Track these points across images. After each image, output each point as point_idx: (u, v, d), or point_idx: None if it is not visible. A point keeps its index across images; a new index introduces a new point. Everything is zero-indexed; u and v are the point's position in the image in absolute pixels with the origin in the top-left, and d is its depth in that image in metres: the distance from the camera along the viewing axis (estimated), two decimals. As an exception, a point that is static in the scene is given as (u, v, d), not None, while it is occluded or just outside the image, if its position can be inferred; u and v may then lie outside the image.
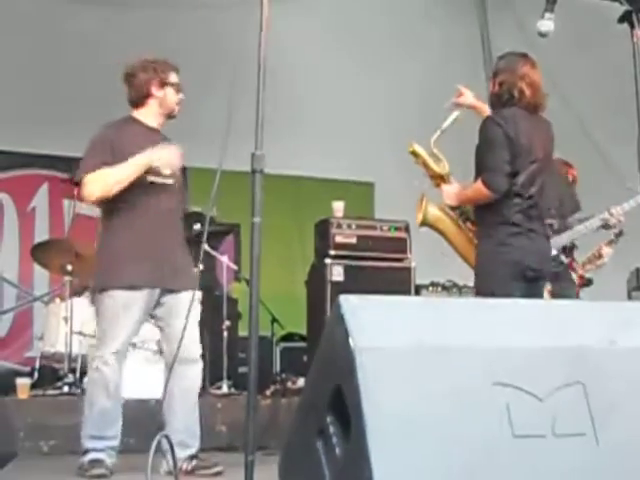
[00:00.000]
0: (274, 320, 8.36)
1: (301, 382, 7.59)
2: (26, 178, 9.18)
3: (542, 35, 3.53)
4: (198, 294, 4.97)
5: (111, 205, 4.82)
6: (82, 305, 7.01)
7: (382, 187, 9.86)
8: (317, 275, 7.30)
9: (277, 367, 8.50)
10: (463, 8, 9.51)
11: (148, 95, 4.94)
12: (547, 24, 3.50)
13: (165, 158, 4.80)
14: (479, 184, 4.55)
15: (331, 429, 2.44)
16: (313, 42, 8.84)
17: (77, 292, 7.07)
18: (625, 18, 3.24)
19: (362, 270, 7.17)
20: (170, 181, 4.90)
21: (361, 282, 7.00)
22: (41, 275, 8.55)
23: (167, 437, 3.94)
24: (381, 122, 8.96)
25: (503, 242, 4.54)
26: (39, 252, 7.21)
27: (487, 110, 4.92)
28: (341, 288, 6.98)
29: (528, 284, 4.56)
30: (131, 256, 4.77)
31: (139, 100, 4.96)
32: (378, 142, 9.12)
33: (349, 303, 2.43)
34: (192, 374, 4.88)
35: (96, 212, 8.95)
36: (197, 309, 4.94)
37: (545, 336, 2.58)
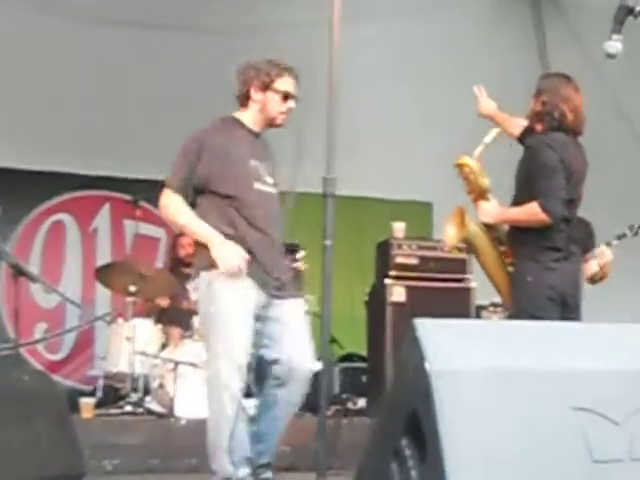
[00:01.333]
0: (333, 340, 8.36)
1: (362, 402, 7.58)
2: (88, 199, 9.30)
3: (610, 56, 3.48)
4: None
5: (213, 198, 4.56)
6: (145, 325, 7.09)
7: (440, 207, 9.83)
8: (377, 296, 7.30)
9: (337, 388, 8.48)
10: (522, 35, 9.49)
11: (247, 97, 4.56)
12: (615, 45, 3.45)
13: (224, 258, 4.35)
14: (534, 207, 4.49)
15: (407, 452, 2.44)
16: (373, 66, 8.87)
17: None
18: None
19: (423, 291, 7.15)
20: (273, 191, 4.60)
21: (422, 303, 6.98)
22: (103, 295, 8.65)
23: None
24: (440, 143, 8.94)
25: (549, 267, 4.55)
26: (103, 273, 7.29)
27: (511, 123, 4.93)
28: (402, 309, 6.99)
29: (565, 309, 4.59)
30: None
31: (240, 100, 4.59)
32: (436, 163, 9.11)
33: (424, 327, 2.43)
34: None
35: (157, 233, 9.21)
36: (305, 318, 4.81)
37: (620, 359, 2.56)
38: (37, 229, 9.11)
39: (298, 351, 4.44)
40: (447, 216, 4.94)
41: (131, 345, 6.75)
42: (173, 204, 4.42)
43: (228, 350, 4.25)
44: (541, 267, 4.53)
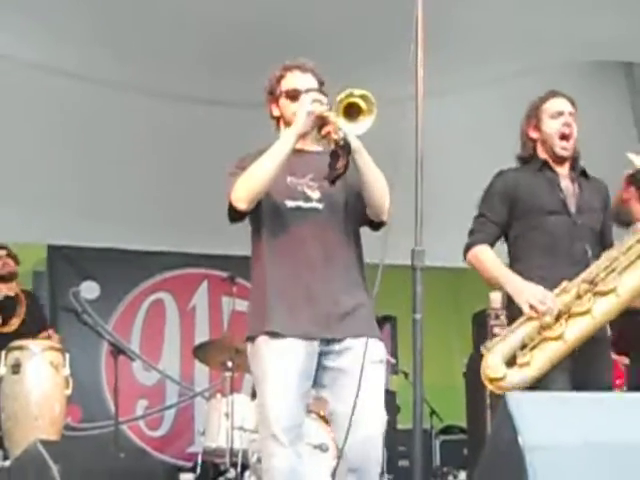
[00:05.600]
0: (433, 412, 8.28)
1: (462, 476, 7.48)
2: (186, 277, 9.47)
3: None
4: (380, 346, 3.79)
5: (255, 237, 3.92)
6: (243, 400, 7.11)
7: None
8: (476, 367, 7.19)
9: (437, 460, 8.38)
10: (616, 101, 9.42)
11: (272, 117, 3.97)
12: None
13: (302, 108, 3.67)
14: None
15: (501, 528, 2.40)
16: (466, 135, 8.89)
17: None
18: None
19: (522, 361, 7.06)
20: (319, 206, 3.81)
21: (521, 373, 6.90)
22: (202, 371, 8.72)
23: None
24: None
25: None
26: (200, 351, 7.36)
27: None
28: (500, 380, 6.89)
29: None
30: (272, 300, 3.75)
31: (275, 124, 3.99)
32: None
33: (516, 400, 2.40)
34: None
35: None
36: (379, 368, 3.78)
37: None
38: (137, 308, 9.28)
39: (362, 425, 3.60)
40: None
41: (229, 420, 6.77)
42: (238, 182, 3.73)
43: (263, 419, 3.71)
44: None
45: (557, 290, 3.84)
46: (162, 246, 9.17)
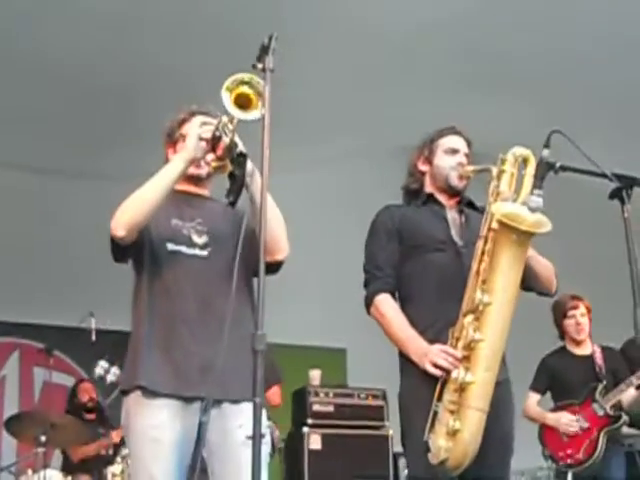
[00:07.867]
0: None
1: None
2: (-3, 345, 9.14)
3: (532, 211, 3.55)
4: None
5: (135, 281, 3.53)
6: (54, 476, 6.85)
7: (354, 353, 9.87)
8: (295, 443, 7.25)
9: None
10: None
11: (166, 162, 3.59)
12: (536, 200, 3.50)
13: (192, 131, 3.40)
14: None
15: None
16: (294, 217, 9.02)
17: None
18: (615, 194, 3.31)
19: (340, 438, 7.15)
20: (203, 253, 3.48)
21: (339, 450, 7.01)
22: (9, 445, 8.36)
23: None
24: (351, 288, 9.04)
25: None
26: (11, 423, 7.05)
27: None
28: (319, 457, 6.96)
29: None
30: (146, 353, 3.38)
31: None
32: (349, 308, 9.19)
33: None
34: None
35: (68, 381, 8.99)
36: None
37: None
38: (-59, 377, 8.89)
39: None
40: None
41: (40, 498, 6.50)
42: (119, 209, 3.37)
43: None
44: None
45: (450, 341, 3.61)
46: (-29, 313, 8.84)
